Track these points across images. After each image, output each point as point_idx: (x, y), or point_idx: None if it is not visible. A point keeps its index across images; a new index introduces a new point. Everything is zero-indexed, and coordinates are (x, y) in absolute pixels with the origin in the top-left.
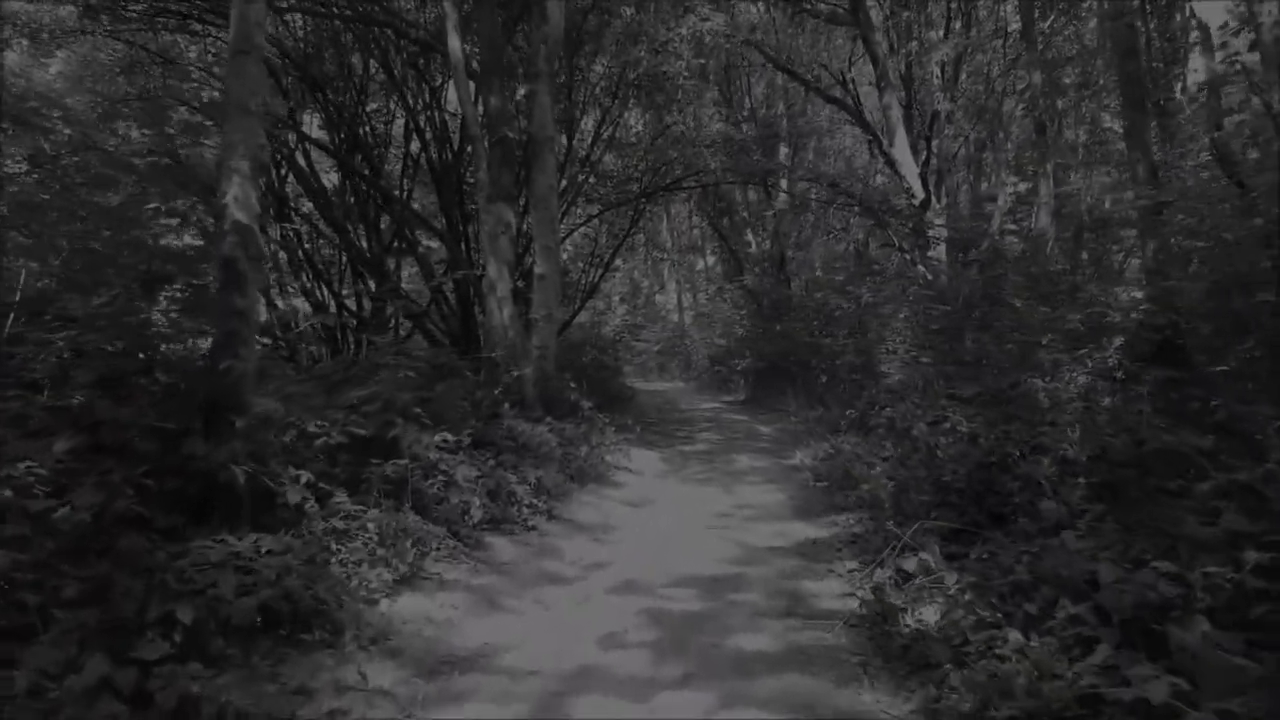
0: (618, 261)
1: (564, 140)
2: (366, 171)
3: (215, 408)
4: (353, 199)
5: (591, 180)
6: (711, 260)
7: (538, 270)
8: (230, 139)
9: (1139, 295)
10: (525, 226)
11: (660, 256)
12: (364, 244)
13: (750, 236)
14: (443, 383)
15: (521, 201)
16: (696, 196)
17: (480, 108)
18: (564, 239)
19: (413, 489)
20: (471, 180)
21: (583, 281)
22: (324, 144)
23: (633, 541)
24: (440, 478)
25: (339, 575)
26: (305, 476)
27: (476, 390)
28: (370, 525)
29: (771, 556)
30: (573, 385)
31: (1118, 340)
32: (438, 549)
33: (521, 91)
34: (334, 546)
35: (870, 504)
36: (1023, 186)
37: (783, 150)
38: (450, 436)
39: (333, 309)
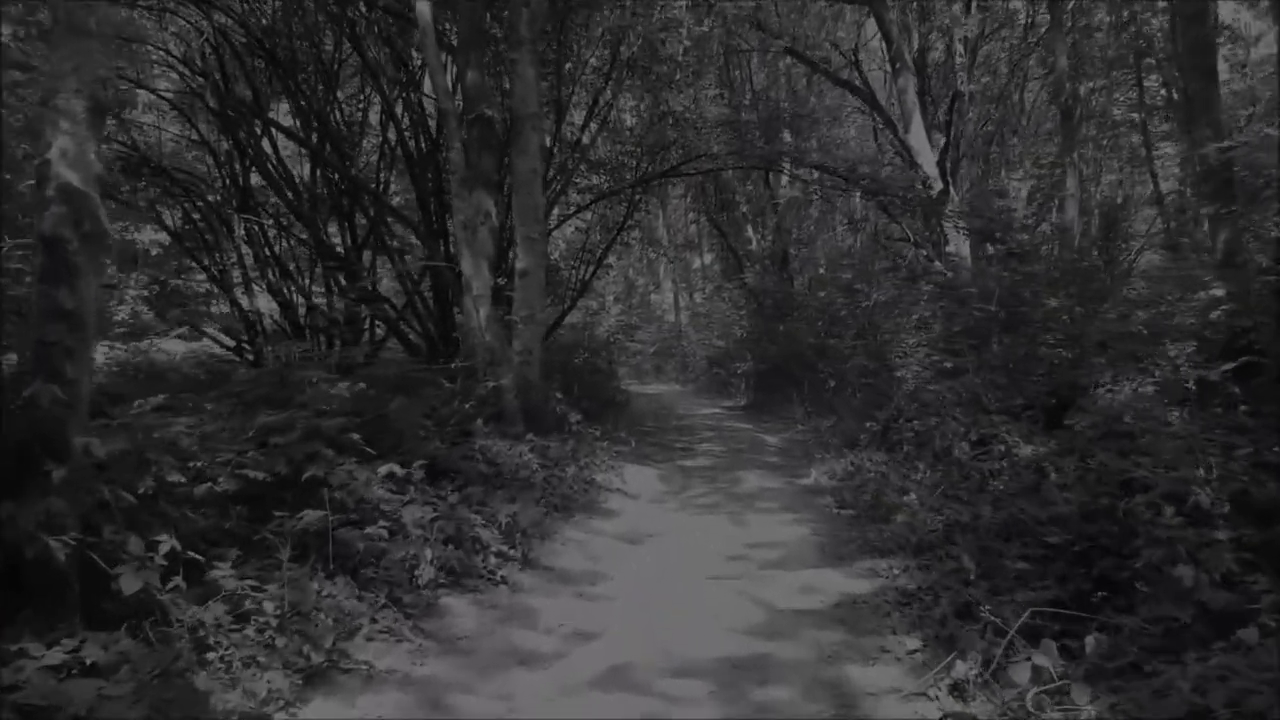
0: (611, 258)
1: (552, 124)
2: (338, 160)
3: (25, 453)
4: (324, 191)
5: (583, 168)
6: (709, 259)
7: (519, 265)
8: (58, 69)
9: (1218, 293)
10: (509, 220)
11: (658, 253)
12: (337, 240)
13: (750, 232)
14: (401, 397)
15: (506, 191)
16: (694, 191)
17: (457, 84)
18: (552, 230)
19: (340, 544)
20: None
21: (573, 279)
22: (291, 131)
23: (626, 598)
24: (382, 525)
25: (209, 687)
26: (167, 544)
27: (446, 404)
28: (268, 605)
29: (803, 625)
30: (559, 395)
31: (1189, 346)
32: (373, 623)
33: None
34: (211, 641)
35: (919, 547)
36: (1029, 183)
37: (786, 137)
38: (399, 468)
39: (302, 310)
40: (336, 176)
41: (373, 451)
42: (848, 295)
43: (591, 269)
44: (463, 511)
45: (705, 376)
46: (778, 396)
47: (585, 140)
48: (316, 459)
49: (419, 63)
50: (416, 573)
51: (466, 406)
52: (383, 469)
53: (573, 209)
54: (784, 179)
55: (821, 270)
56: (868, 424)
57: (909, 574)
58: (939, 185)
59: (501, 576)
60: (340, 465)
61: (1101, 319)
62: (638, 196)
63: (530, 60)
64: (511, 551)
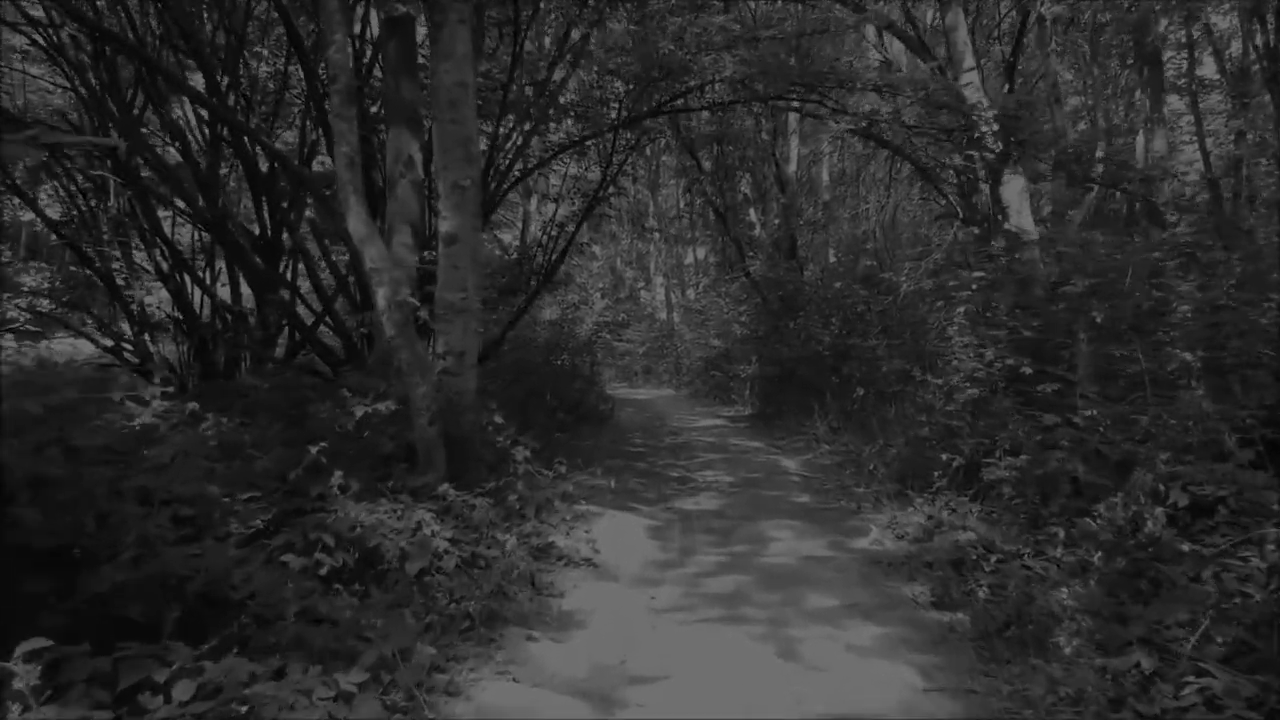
0: (595, 247)
1: (506, 43)
2: (224, 108)
3: None
4: (230, 156)
5: (551, 112)
6: (703, 252)
7: (444, 227)
8: None
9: None
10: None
11: (648, 242)
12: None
13: (754, 215)
14: (185, 440)
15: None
16: (691, 171)
17: None
18: (507, 190)
19: None
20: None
21: (541, 261)
22: (174, 75)
23: None
24: None
25: None
26: None
27: (292, 446)
28: None
29: None
30: (499, 421)
31: None
32: None
33: None
34: None
35: None
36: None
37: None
38: None
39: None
40: (242, 135)
41: None
42: (868, 287)
43: (564, 245)
44: None
45: (700, 378)
46: (790, 406)
47: (554, 79)
48: None
49: None
50: None
51: (315, 452)
52: None
53: (535, 162)
54: (791, 158)
55: (834, 259)
56: (945, 456)
57: None
58: (999, 145)
59: None
60: None
61: None
62: (622, 154)
63: None
64: None
